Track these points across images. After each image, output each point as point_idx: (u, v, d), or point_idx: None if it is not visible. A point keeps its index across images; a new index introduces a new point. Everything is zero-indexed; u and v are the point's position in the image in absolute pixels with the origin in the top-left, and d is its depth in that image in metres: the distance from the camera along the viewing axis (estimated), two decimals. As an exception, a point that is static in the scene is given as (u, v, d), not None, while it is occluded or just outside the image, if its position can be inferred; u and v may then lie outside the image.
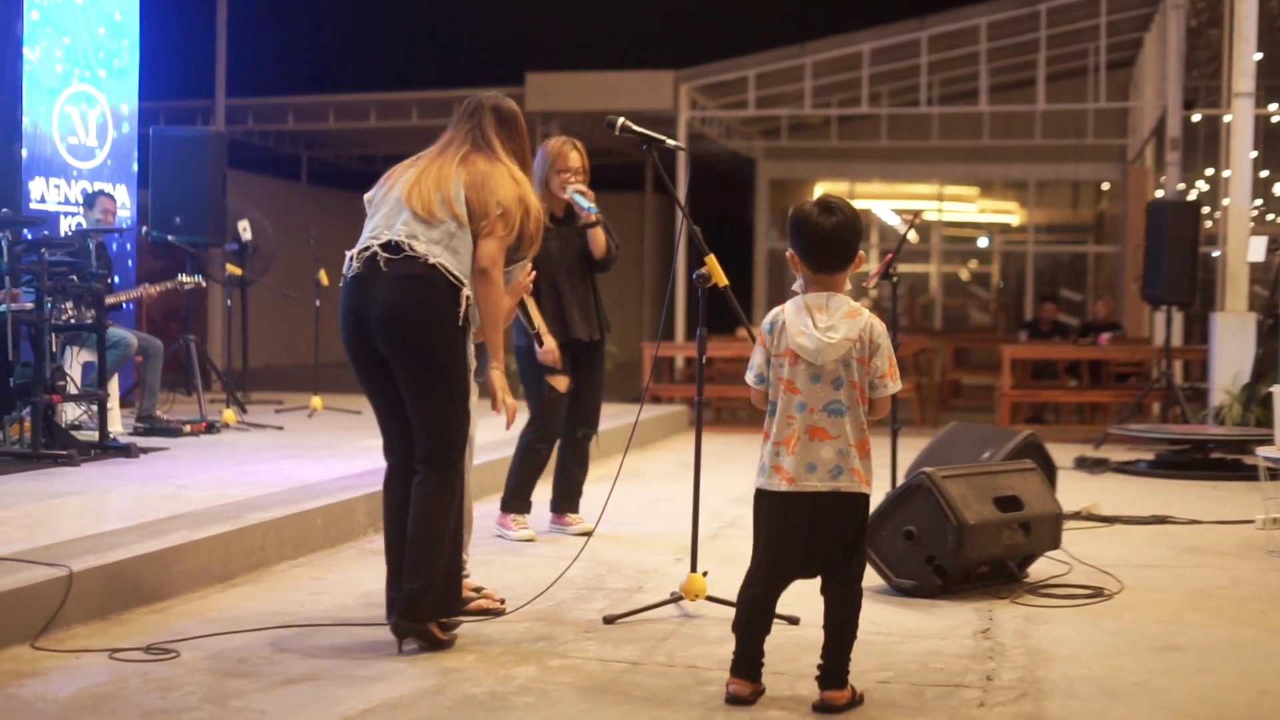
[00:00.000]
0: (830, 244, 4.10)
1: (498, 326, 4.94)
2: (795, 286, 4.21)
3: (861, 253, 4.18)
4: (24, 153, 10.13)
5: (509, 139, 5.04)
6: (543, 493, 7.24)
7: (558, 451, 7.28)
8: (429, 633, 4.75)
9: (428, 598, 4.74)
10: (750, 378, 4.25)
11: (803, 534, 4.10)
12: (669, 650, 4.83)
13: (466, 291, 4.73)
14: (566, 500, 7.27)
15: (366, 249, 4.77)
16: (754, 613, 4.15)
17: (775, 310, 4.21)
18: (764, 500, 4.15)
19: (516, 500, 7.12)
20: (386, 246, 4.72)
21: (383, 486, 4.96)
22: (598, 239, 7.03)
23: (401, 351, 4.72)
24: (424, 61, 24.50)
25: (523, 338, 6.97)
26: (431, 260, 4.68)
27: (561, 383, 7.00)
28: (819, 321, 4.09)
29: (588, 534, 6.72)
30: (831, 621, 4.12)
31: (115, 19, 11.15)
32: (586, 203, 6.88)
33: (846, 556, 4.12)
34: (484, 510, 7.55)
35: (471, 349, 4.93)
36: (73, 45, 10.68)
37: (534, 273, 5.46)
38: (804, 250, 4.14)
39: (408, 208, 4.78)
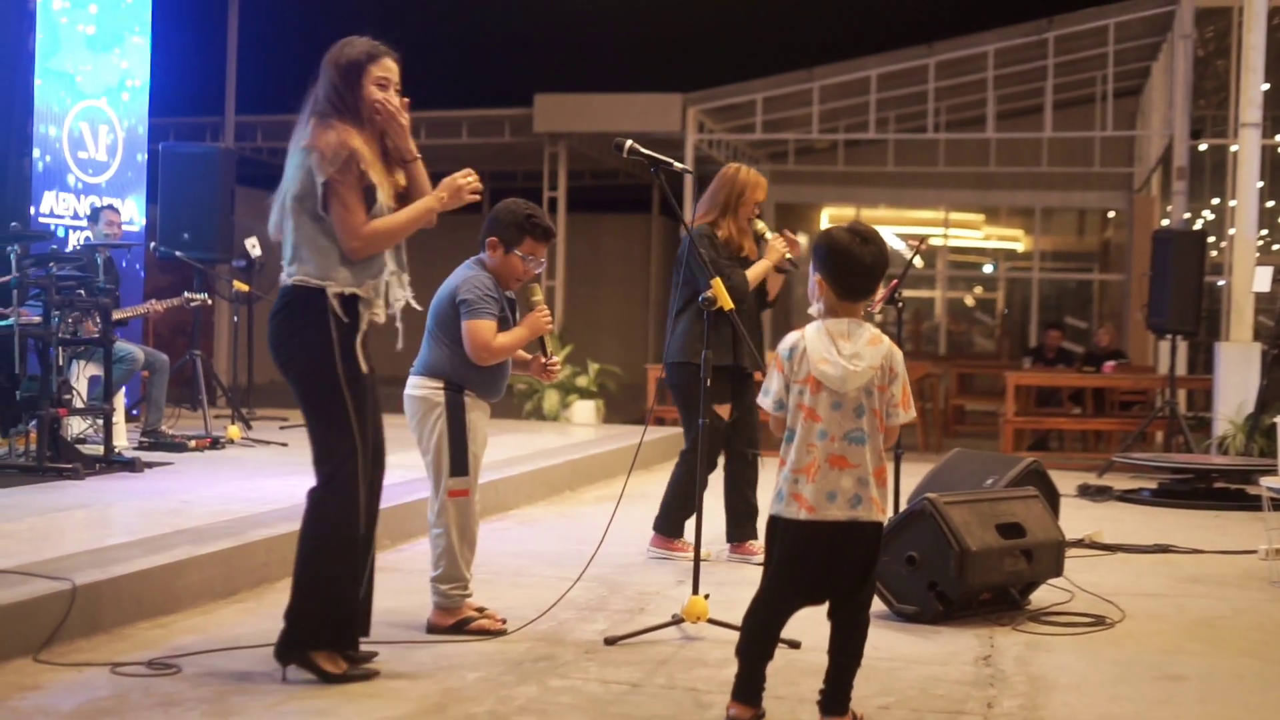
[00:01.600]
0: (870, 274, 4.14)
1: (408, 223, 4.64)
2: (812, 310, 4.21)
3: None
4: (41, 164, 10.18)
5: (337, 88, 4.68)
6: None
7: (727, 478, 7.16)
8: (311, 663, 4.56)
9: (303, 622, 4.58)
10: (768, 403, 4.19)
11: (819, 563, 4.08)
12: (670, 672, 4.83)
13: (334, 289, 4.53)
14: (745, 526, 7.11)
15: None
16: (760, 638, 4.14)
17: (793, 336, 4.16)
18: (781, 528, 4.13)
19: (680, 525, 7.10)
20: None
21: None
22: (776, 281, 7.18)
23: (286, 379, 4.68)
24: (433, 81, 24.50)
25: (685, 358, 6.95)
26: (289, 281, 4.59)
27: (726, 411, 6.99)
28: (843, 349, 4.07)
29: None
30: (837, 647, 4.11)
31: (128, 34, 11.20)
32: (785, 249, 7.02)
33: (858, 584, 4.11)
34: (488, 529, 7.55)
35: (360, 360, 4.65)
36: (84, 60, 10.73)
37: (548, 313, 5.44)
38: (839, 278, 4.13)
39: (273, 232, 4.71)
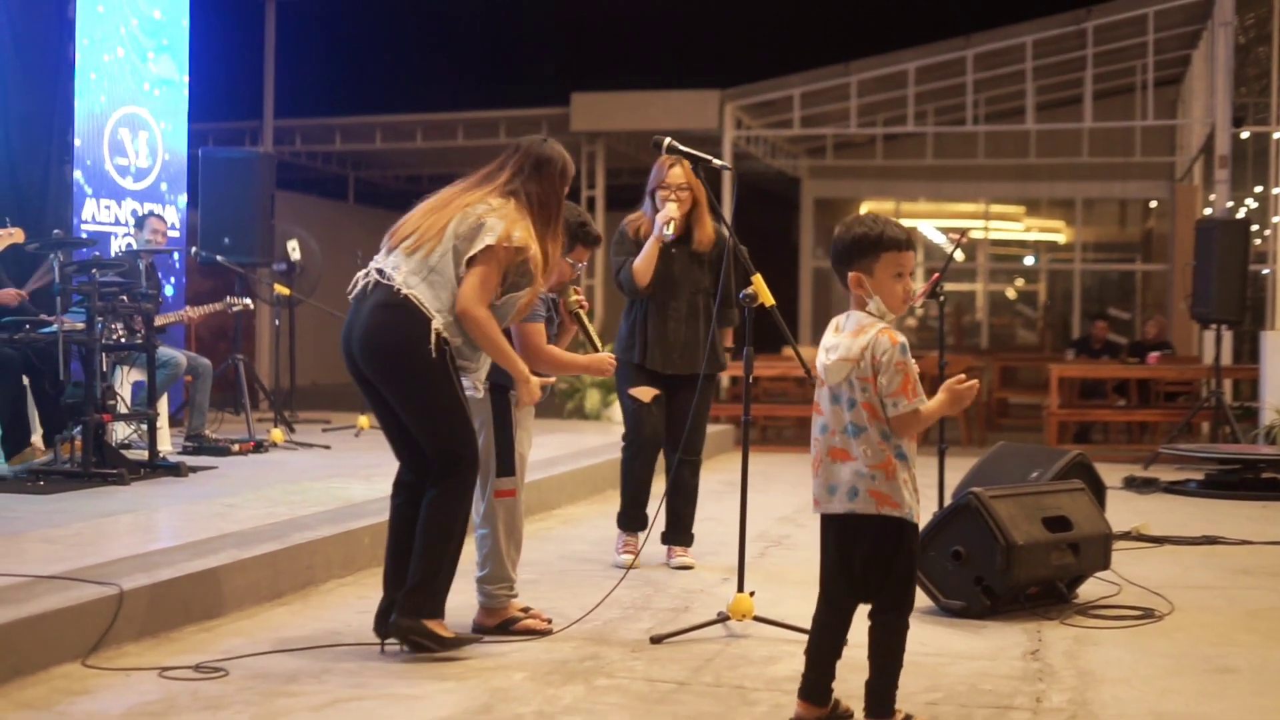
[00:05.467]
0: (832, 257, 4.14)
1: (501, 355, 4.94)
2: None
3: (857, 274, 4.02)
4: (77, 174, 10.25)
5: (534, 181, 5.01)
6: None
7: (666, 482, 6.94)
8: (426, 630, 4.85)
9: (422, 595, 4.86)
10: None
11: (836, 556, 4.03)
12: (716, 670, 4.82)
13: (437, 324, 4.78)
14: (672, 533, 6.93)
15: (366, 273, 4.94)
16: (817, 635, 4.07)
17: None
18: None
19: (624, 518, 6.94)
20: (378, 274, 4.88)
21: (390, 494, 5.11)
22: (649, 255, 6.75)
23: (380, 375, 4.86)
24: (470, 82, 24.61)
25: (618, 353, 6.83)
26: (404, 291, 4.79)
27: (644, 393, 6.84)
28: (828, 341, 4.05)
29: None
30: (871, 649, 4.03)
31: (165, 42, 11.26)
32: (660, 225, 6.65)
33: (879, 581, 4.01)
34: (532, 529, 7.56)
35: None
36: (123, 67, 10.79)
37: (612, 360, 5.43)
38: None
39: (401, 237, 4.91)
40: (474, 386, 5.05)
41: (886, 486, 3.95)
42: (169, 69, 11.30)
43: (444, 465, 4.88)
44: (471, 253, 4.80)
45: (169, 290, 10.93)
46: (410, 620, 4.85)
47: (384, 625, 4.97)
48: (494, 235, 4.80)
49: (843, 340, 4.00)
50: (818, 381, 4.06)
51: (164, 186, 11.21)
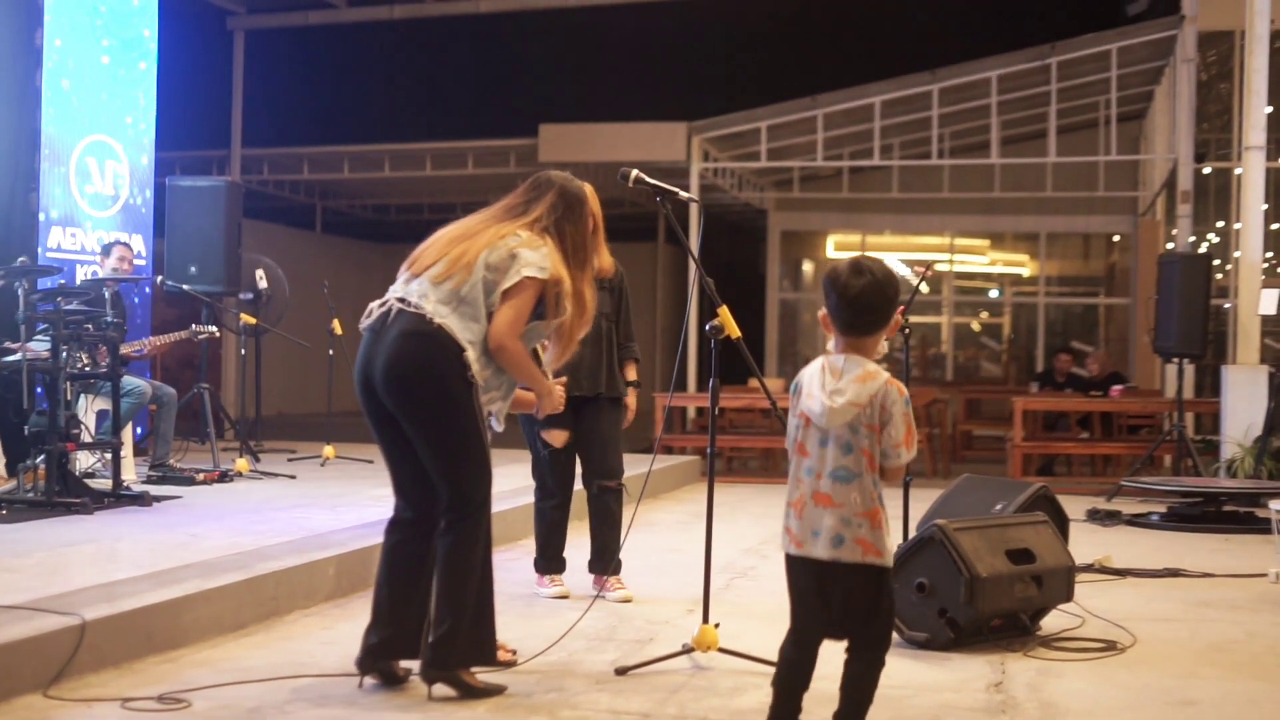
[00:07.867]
0: (856, 306, 4.00)
1: (531, 379, 4.96)
2: (829, 345, 4.15)
3: (899, 317, 4.06)
4: (51, 203, 10.21)
5: (568, 222, 5.00)
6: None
7: (589, 510, 6.93)
8: (459, 680, 4.76)
9: (453, 644, 4.74)
10: (788, 441, 4.14)
11: (814, 597, 4.02)
12: (681, 702, 4.81)
13: (470, 355, 4.71)
14: (598, 561, 6.88)
15: (384, 303, 4.82)
16: (784, 668, 4.07)
17: (803, 370, 4.15)
18: (786, 561, 4.11)
19: (543, 560, 6.87)
20: (401, 301, 4.78)
21: (384, 530, 4.99)
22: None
23: (405, 406, 4.73)
24: (437, 112, 24.65)
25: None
26: (437, 320, 4.69)
27: (558, 438, 6.76)
28: (828, 384, 4.00)
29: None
30: (844, 687, 4.04)
31: (133, 69, 11.24)
32: None
33: (861, 626, 4.01)
34: (496, 560, 7.53)
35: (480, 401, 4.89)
36: (91, 95, 10.77)
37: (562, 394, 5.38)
38: (832, 309, 4.04)
39: (428, 266, 4.83)
40: (498, 420, 5.01)
41: (871, 535, 3.95)
42: (137, 97, 11.28)
43: (459, 507, 4.77)
44: (506, 285, 4.74)
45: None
46: (438, 671, 4.76)
47: (370, 661, 4.87)
48: (531, 268, 4.76)
49: (850, 385, 3.96)
50: (804, 422, 4.05)
51: (138, 202, 11.19)
